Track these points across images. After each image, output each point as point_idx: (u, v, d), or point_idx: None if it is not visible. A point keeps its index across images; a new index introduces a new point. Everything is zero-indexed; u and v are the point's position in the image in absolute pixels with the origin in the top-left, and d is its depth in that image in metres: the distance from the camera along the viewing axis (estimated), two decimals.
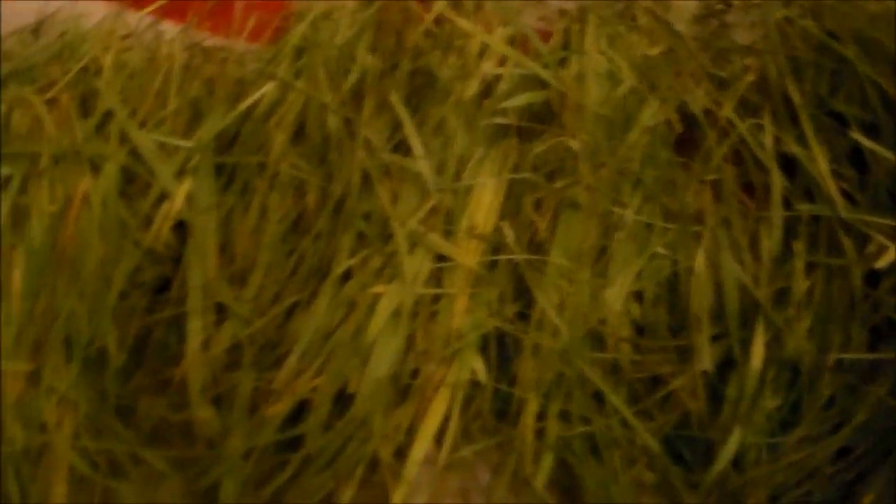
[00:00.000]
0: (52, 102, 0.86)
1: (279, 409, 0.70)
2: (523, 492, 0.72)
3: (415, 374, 0.72)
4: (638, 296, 0.76)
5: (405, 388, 0.72)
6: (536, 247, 0.76)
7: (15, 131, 0.83)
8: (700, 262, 0.74)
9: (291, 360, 0.71)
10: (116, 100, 0.81)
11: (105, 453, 0.73)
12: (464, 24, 0.83)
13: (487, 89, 0.82)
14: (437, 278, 0.75)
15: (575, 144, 0.76)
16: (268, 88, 0.81)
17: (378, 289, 0.72)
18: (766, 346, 0.70)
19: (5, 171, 0.81)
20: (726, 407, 0.70)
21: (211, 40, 0.89)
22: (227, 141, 0.81)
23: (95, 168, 0.81)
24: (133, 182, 0.81)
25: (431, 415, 0.71)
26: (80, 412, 0.74)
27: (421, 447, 0.70)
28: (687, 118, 0.81)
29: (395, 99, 0.78)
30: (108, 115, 0.84)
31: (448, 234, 0.75)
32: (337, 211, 0.76)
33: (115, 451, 0.73)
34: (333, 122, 0.77)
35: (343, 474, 0.70)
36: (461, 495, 0.73)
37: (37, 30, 0.93)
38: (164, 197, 0.79)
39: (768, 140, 0.79)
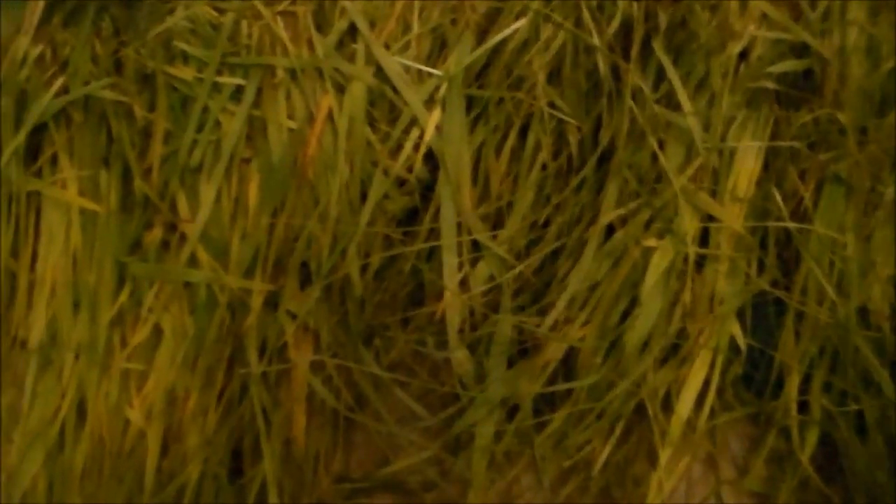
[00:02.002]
0: (283, 14, 0.81)
1: (549, 356, 0.67)
2: (778, 465, 0.69)
3: (679, 333, 0.69)
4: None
5: (670, 347, 0.69)
6: (799, 217, 0.73)
7: (243, 42, 0.79)
8: None
9: (559, 307, 0.68)
10: (362, 18, 0.77)
11: (346, 380, 0.69)
12: None
13: (743, 50, 0.79)
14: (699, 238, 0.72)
15: (844, 118, 0.73)
16: (522, 24, 0.77)
17: (650, 242, 0.69)
18: None
19: (236, 80, 0.76)
20: None
21: None
22: (474, 73, 0.77)
23: (338, 87, 0.76)
24: (374, 106, 0.76)
25: (694, 376, 0.68)
26: (322, 340, 0.70)
27: (686, 407, 0.68)
28: None
29: (660, 50, 0.75)
30: (348, 33, 0.79)
31: (712, 194, 0.72)
32: (601, 159, 0.72)
33: (358, 382, 0.69)
34: (602, 66, 0.73)
35: (604, 431, 0.67)
36: (710, 463, 0.70)
37: None
38: (411, 124, 0.75)
39: None
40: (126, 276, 0.74)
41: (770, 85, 0.75)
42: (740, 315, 0.72)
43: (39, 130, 0.80)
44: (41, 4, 0.84)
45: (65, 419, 0.71)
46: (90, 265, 0.75)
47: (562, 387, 0.66)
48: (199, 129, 0.77)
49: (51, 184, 0.77)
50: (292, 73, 0.77)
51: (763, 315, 0.71)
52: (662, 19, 0.74)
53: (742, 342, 0.70)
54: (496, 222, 0.73)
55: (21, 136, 0.77)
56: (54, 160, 0.80)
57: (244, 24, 0.80)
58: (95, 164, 0.78)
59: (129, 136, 0.78)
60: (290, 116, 0.76)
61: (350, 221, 0.72)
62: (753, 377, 0.71)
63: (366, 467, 0.72)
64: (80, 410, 0.72)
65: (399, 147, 0.74)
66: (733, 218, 0.72)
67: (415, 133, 0.75)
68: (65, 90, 0.82)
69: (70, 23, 0.86)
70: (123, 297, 0.72)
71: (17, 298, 0.76)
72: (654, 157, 0.71)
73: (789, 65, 0.76)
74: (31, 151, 0.80)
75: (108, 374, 0.71)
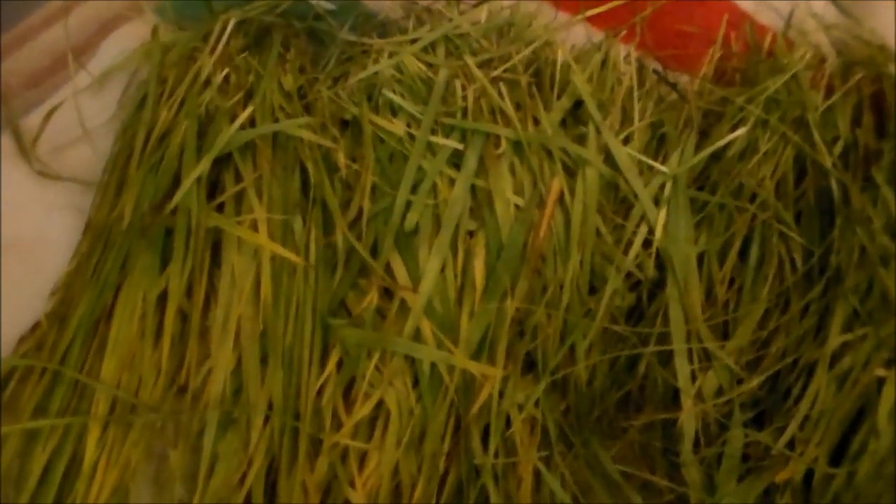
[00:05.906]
0: (499, 80, 0.78)
1: (788, 474, 0.66)
2: None
3: None
4: None
5: None
6: None
7: (458, 104, 0.75)
8: None
9: (793, 427, 0.67)
10: (592, 100, 0.75)
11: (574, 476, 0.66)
12: None
13: None
14: None
15: None
16: (744, 131, 0.77)
17: (880, 372, 0.69)
18: None
19: (454, 144, 0.73)
20: None
21: (654, 64, 0.84)
22: (692, 176, 0.76)
23: (566, 167, 0.74)
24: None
25: None
26: (551, 433, 0.67)
27: None
28: None
29: (882, 180, 0.76)
30: (570, 111, 0.77)
31: None
32: (829, 281, 0.72)
33: (585, 482, 0.66)
34: (836, 188, 0.74)
35: None
36: None
37: None
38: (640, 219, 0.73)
39: None
40: (330, 340, 0.68)
41: None
42: None
43: (219, 162, 0.74)
44: (232, 22, 0.78)
45: (252, 487, 0.65)
46: (285, 320, 0.68)
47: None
48: (412, 189, 0.72)
49: (237, 223, 0.71)
50: (515, 146, 0.74)
51: None
52: (885, 151, 0.75)
53: None
54: (719, 332, 0.71)
55: (204, 165, 0.71)
56: (237, 198, 0.73)
57: (458, 84, 0.76)
58: (288, 208, 0.72)
59: (329, 185, 0.73)
60: (516, 192, 0.72)
61: (578, 313, 0.69)
62: None
63: None
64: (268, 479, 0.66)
65: (628, 242, 0.72)
66: None
67: (642, 229, 0.72)
68: (251, 122, 0.75)
69: (252, 49, 0.81)
70: (332, 363, 0.67)
71: (189, 343, 0.69)
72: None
73: None
74: (209, 184, 0.74)
75: (314, 446, 0.65)
